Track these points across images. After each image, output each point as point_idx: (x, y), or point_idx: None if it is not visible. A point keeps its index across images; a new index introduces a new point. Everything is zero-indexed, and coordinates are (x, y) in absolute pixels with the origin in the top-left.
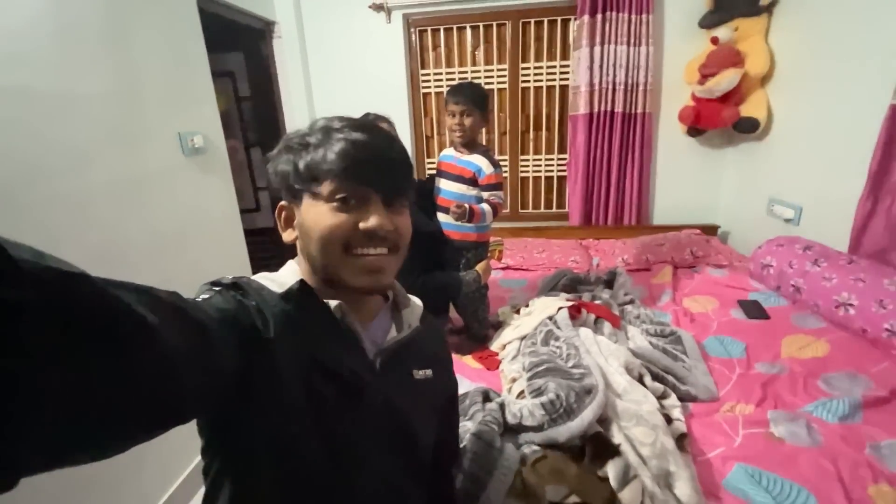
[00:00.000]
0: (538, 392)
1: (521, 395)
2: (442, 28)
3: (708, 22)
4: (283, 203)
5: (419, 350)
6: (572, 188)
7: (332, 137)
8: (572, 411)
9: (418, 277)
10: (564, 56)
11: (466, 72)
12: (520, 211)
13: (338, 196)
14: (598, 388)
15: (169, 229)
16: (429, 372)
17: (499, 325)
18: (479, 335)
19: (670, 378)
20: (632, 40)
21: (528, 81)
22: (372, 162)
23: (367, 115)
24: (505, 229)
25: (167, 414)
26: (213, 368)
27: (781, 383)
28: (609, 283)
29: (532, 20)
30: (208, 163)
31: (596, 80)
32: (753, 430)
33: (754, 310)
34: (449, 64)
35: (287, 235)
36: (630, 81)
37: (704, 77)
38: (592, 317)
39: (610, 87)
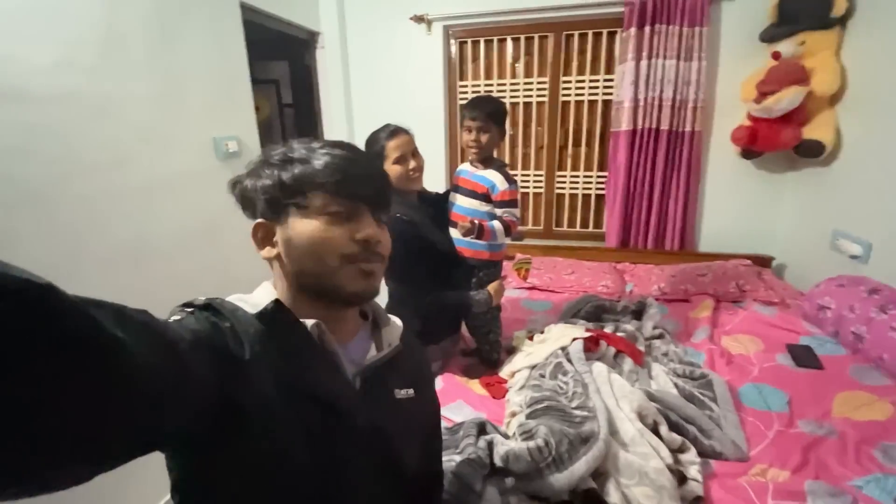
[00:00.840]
0: (528, 435)
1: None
2: (482, 40)
3: (770, 35)
4: (260, 221)
5: (400, 369)
6: (610, 208)
7: (317, 153)
8: (562, 461)
9: (427, 296)
10: (609, 70)
11: (505, 84)
12: (554, 229)
13: (330, 209)
14: (597, 436)
15: (198, 228)
16: (411, 391)
17: (512, 350)
18: (489, 359)
19: (692, 429)
20: (682, 54)
21: (569, 95)
22: (362, 177)
23: (388, 125)
24: (536, 247)
25: (138, 435)
26: (186, 389)
27: (828, 448)
28: (638, 313)
29: (576, 33)
30: (241, 167)
31: (641, 96)
32: (785, 503)
33: (805, 357)
34: (488, 76)
35: (267, 252)
36: (678, 98)
37: (762, 95)
38: (612, 350)
39: (656, 103)
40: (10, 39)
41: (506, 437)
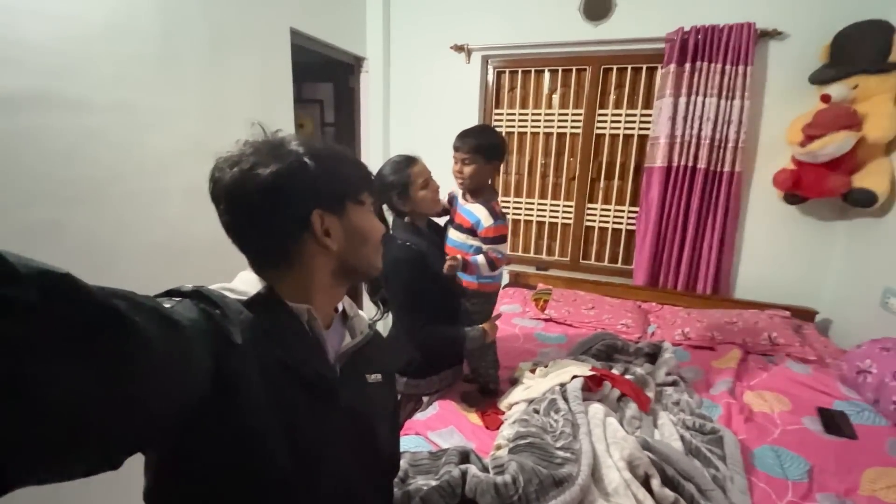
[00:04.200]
0: (499, 469)
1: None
2: (520, 70)
3: (821, 77)
4: (321, 212)
5: (370, 356)
6: (640, 244)
7: (351, 158)
8: (528, 502)
9: (423, 327)
10: (646, 104)
11: (540, 113)
12: (580, 262)
13: (372, 206)
14: (573, 481)
15: None
16: (379, 376)
17: (515, 381)
18: (486, 389)
19: (689, 487)
20: (724, 92)
21: (604, 128)
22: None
23: (400, 155)
24: (559, 279)
25: (148, 419)
26: (189, 371)
27: None
28: (652, 357)
29: (614, 67)
30: None
31: (678, 132)
32: None
33: (837, 423)
34: (524, 105)
35: (332, 243)
36: (718, 136)
37: (809, 138)
38: (616, 393)
39: (693, 140)
40: (78, 56)
41: (486, 469)
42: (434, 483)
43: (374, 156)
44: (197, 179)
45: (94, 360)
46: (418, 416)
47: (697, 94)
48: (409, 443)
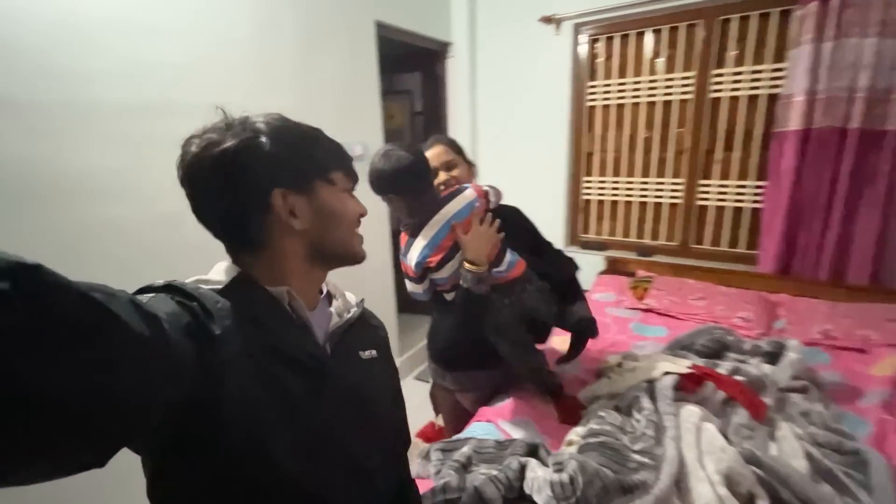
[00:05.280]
0: (559, 467)
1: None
2: (618, 35)
3: None
4: (283, 190)
5: (361, 333)
6: (769, 225)
7: (325, 136)
8: None
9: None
10: (779, 58)
11: (641, 81)
12: (690, 246)
13: (346, 186)
14: (648, 489)
15: None
16: (374, 352)
17: (601, 374)
18: (542, 389)
19: None
20: (888, 29)
21: (722, 91)
22: (351, 160)
23: (431, 137)
24: (664, 265)
25: (132, 413)
26: (172, 363)
27: None
28: (773, 357)
29: (735, 16)
30: (365, 169)
31: (821, 86)
32: None
33: None
34: (622, 73)
35: (298, 223)
36: (879, 87)
37: None
38: (721, 395)
39: (843, 94)
40: (190, 67)
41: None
42: (494, 473)
43: (462, 142)
44: None
45: (74, 351)
46: (493, 403)
47: (849, 35)
48: (478, 429)
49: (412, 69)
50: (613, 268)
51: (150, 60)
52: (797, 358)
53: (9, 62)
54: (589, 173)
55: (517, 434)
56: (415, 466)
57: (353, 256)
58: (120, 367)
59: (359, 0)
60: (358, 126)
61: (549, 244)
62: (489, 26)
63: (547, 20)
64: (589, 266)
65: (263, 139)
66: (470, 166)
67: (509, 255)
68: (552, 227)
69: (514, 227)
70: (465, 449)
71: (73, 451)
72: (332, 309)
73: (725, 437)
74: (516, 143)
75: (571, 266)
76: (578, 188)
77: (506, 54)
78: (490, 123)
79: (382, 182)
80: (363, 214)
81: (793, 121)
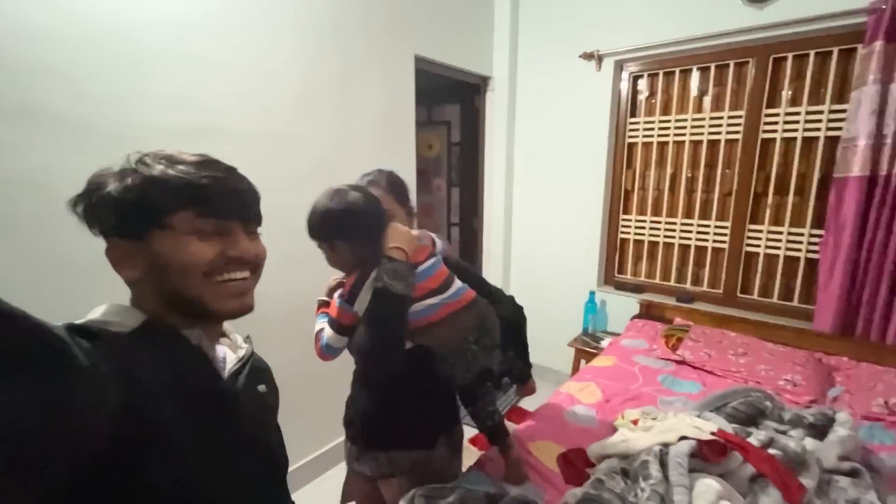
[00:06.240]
0: None
1: None
2: (661, 72)
3: None
4: (116, 240)
5: (252, 367)
6: (826, 277)
7: (176, 170)
8: None
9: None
10: (839, 99)
11: (686, 119)
12: (738, 296)
13: (200, 227)
14: None
15: None
16: (264, 386)
17: (613, 431)
18: (489, 429)
19: None
20: None
21: (775, 132)
22: (230, 193)
23: (374, 171)
24: (705, 313)
25: (87, 448)
26: (104, 401)
27: None
28: (820, 430)
29: (789, 55)
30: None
31: (888, 130)
32: None
33: None
34: (665, 111)
35: (129, 274)
36: None
37: None
38: (750, 470)
39: None
40: (234, 95)
41: None
42: None
43: (496, 175)
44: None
45: (30, 384)
46: (489, 452)
47: None
48: (471, 479)
49: (452, 101)
50: (648, 312)
51: (199, 88)
52: (848, 434)
53: (78, 87)
54: (627, 211)
55: (514, 489)
56: None
57: (202, 310)
58: (72, 403)
59: (400, 34)
60: (394, 154)
61: (499, 290)
62: (530, 61)
63: (588, 56)
64: (621, 309)
65: (113, 186)
66: (410, 215)
67: (458, 283)
68: (586, 265)
69: (457, 267)
70: (452, 498)
71: (19, 489)
72: (225, 346)
73: None
74: (552, 177)
75: (521, 314)
76: (616, 226)
77: (545, 89)
78: (526, 156)
79: (324, 231)
80: (232, 257)
81: (856, 166)
